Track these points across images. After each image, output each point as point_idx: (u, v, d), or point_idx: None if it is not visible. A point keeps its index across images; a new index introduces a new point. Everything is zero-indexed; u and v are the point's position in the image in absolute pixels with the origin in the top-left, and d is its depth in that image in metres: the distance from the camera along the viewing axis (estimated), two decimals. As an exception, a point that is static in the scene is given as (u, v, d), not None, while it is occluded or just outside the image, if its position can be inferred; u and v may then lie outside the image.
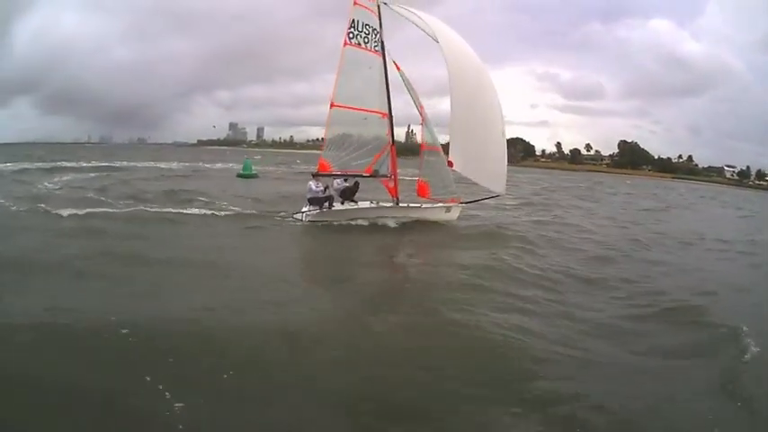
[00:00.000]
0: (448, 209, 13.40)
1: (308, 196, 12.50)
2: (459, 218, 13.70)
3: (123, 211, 12.41)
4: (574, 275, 8.52)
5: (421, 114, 13.18)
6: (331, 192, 12.55)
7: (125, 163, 33.30)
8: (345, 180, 12.74)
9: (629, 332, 5.87)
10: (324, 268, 9.03)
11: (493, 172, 13.25)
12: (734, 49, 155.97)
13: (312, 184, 12.49)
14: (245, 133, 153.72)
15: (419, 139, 13.68)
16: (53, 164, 28.00)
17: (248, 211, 13.46)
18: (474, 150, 12.54)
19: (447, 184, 13.18)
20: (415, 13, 12.59)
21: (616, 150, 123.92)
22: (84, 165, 30.00)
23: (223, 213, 12.92)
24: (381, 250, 10.60)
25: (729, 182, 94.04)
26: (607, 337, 5.66)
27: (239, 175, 26.39)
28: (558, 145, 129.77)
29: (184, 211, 12.79)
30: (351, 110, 12.47)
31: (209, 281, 6.91)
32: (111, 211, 12.34)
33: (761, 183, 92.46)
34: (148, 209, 12.78)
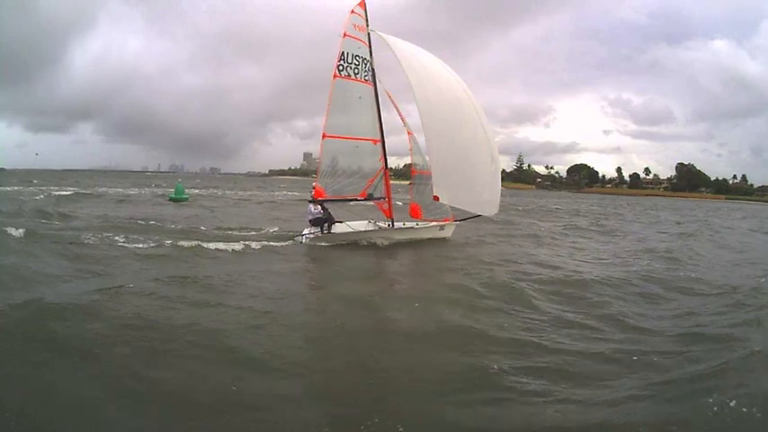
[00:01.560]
0: (441, 227, 13.82)
1: (309, 218, 13.19)
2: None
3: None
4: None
5: (410, 140, 13.66)
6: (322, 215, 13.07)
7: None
8: (320, 210, 13.12)
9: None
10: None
11: (484, 199, 13.59)
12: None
13: (311, 207, 13.18)
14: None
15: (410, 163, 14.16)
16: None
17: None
18: (459, 181, 12.88)
19: (439, 205, 13.41)
20: (388, 44, 13.09)
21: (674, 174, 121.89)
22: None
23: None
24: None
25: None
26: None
27: (171, 199, 27.31)
28: (619, 170, 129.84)
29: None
30: (342, 139, 13.10)
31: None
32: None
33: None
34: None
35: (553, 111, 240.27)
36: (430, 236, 13.64)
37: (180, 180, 32.26)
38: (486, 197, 13.61)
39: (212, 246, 11.04)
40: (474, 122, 13.35)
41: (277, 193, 46.18)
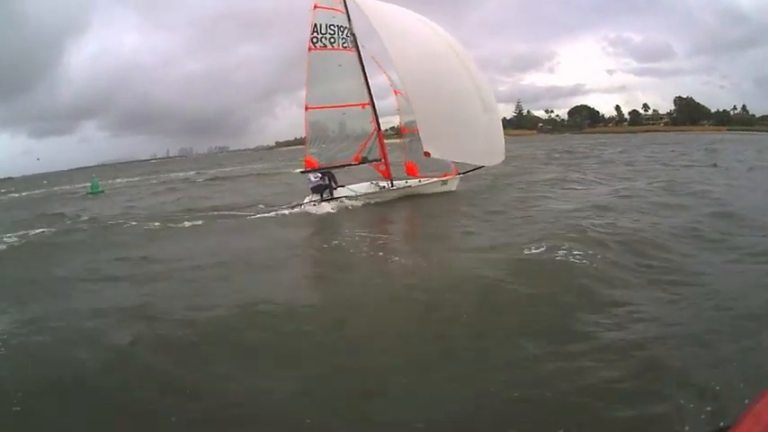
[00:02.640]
0: (444, 182, 13.80)
1: (310, 186, 13.25)
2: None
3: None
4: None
5: (397, 100, 13.63)
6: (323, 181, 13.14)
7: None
8: (321, 177, 13.17)
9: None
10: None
11: (481, 150, 13.42)
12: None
13: (311, 176, 13.24)
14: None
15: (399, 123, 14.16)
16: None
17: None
18: (449, 135, 12.70)
19: (435, 160, 13.31)
20: (358, 6, 13.03)
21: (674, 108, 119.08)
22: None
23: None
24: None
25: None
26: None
27: (89, 193, 27.35)
28: (618, 108, 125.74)
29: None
30: (327, 108, 13.11)
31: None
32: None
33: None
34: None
35: (556, 55, 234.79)
36: (433, 191, 13.65)
37: (94, 176, 35.51)
38: (484, 147, 13.44)
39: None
40: (459, 74, 13.17)
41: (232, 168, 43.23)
